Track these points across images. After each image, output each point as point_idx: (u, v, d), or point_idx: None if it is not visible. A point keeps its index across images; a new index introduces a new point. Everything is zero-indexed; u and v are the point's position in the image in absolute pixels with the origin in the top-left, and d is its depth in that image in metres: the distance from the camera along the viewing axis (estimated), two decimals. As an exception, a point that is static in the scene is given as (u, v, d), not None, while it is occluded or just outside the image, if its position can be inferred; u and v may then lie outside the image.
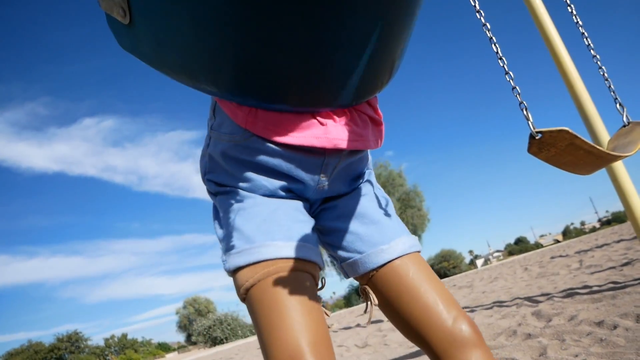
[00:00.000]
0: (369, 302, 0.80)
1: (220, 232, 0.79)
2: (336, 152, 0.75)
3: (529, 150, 2.42)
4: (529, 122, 2.45)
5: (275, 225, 0.72)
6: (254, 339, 19.90)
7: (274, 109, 0.70)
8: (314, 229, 0.79)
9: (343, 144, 0.72)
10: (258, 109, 0.71)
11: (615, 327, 2.42)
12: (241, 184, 0.77)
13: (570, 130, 2.31)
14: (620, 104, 2.88)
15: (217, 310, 53.00)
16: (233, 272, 0.72)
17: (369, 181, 0.90)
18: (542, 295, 4.34)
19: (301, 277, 0.69)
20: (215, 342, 36.02)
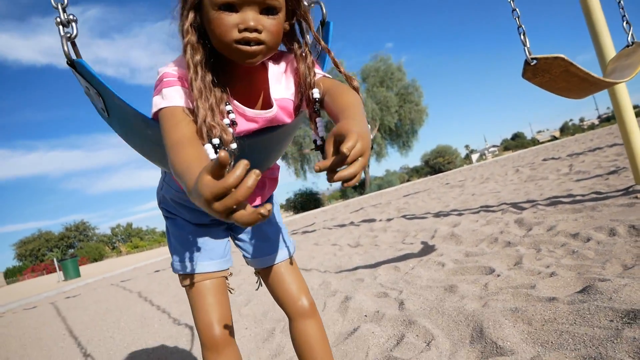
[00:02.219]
0: (259, 281, 1.38)
1: (169, 244, 1.25)
2: None
3: (524, 75, 2.42)
4: (525, 48, 2.41)
5: (201, 249, 1.19)
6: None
7: None
8: (231, 238, 1.31)
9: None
10: None
11: (588, 240, 2.59)
12: (183, 216, 1.22)
13: (566, 58, 2.28)
14: (627, 22, 2.79)
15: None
16: (179, 274, 1.21)
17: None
18: (528, 202, 4.54)
19: (215, 281, 1.19)
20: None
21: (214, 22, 0.88)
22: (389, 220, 6.48)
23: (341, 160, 0.69)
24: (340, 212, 13.15)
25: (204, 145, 0.88)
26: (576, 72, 2.08)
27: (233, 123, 0.97)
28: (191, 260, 1.18)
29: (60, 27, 1.04)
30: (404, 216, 6.45)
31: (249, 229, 1.28)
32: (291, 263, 1.31)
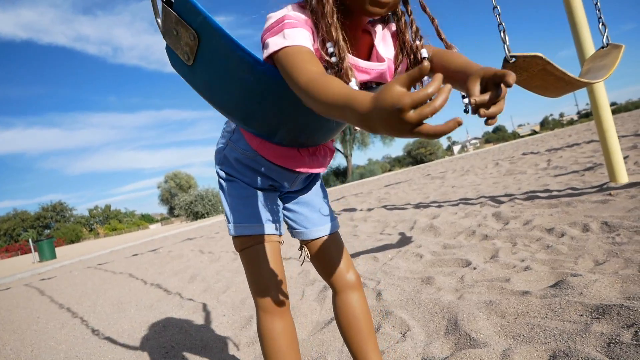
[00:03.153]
0: (304, 255, 1.32)
1: (226, 206, 1.22)
2: (304, 172, 1.21)
3: None
4: (505, 46, 2.42)
5: (260, 212, 1.19)
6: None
7: (276, 144, 1.13)
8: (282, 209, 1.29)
9: (310, 170, 1.18)
10: (266, 141, 1.13)
11: (562, 235, 2.65)
12: (243, 178, 1.20)
13: (544, 57, 2.31)
14: (603, 24, 2.83)
15: (199, 186, 54.49)
16: (234, 236, 1.19)
17: (315, 179, 1.35)
18: (506, 195, 4.62)
19: (271, 245, 1.19)
20: (196, 216, 37.64)
21: None
22: (369, 210, 6.53)
23: (497, 95, 0.74)
24: (321, 200, 13.17)
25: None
26: (553, 71, 2.11)
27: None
28: (253, 222, 1.18)
29: None
30: (384, 206, 6.50)
31: (299, 199, 1.29)
32: (337, 236, 1.32)
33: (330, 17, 0.93)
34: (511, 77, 0.72)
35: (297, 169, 1.16)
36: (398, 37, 1.08)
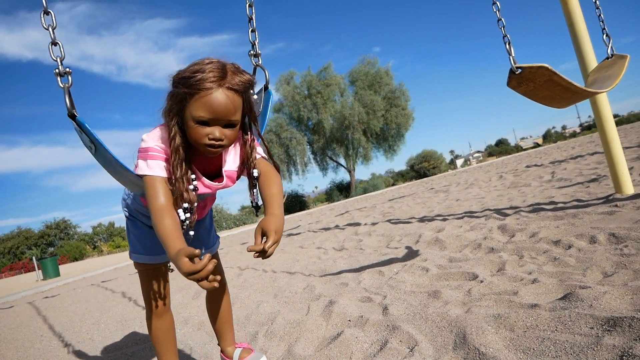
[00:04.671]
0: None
1: (129, 239, 1.69)
2: None
3: (508, 84, 2.44)
4: (510, 57, 2.43)
5: (150, 246, 1.63)
6: (237, 230, 20.82)
7: None
8: None
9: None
10: None
11: (569, 247, 2.63)
12: (141, 220, 1.66)
13: (550, 67, 2.31)
14: (607, 35, 2.85)
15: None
16: (134, 261, 1.69)
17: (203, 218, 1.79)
18: (511, 208, 4.59)
19: (157, 269, 1.69)
20: (201, 232, 37.45)
21: (192, 130, 1.28)
22: (373, 224, 6.50)
23: (265, 252, 1.20)
24: (325, 215, 13.15)
25: (177, 210, 1.32)
26: (559, 81, 2.11)
27: (195, 189, 1.38)
28: (144, 253, 1.64)
29: (59, 78, 1.37)
30: (389, 220, 6.48)
31: (195, 236, 1.63)
32: (217, 255, 1.88)
33: (174, 153, 1.31)
34: (269, 243, 1.19)
35: None
36: (243, 149, 1.48)
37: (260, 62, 1.85)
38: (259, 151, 1.52)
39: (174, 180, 1.30)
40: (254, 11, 1.93)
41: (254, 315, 2.82)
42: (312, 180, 71.40)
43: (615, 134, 3.77)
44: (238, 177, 1.51)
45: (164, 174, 1.32)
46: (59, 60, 1.39)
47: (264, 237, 1.22)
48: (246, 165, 1.47)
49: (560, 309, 1.66)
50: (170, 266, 1.64)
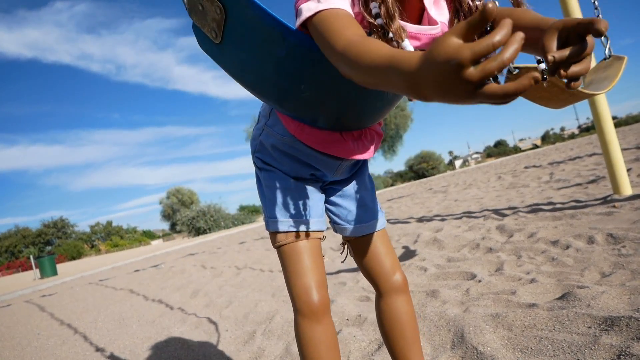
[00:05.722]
0: (347, 251, 1.24)
1: (263, 199, 1.14)
2: (349, 159, 1.10)
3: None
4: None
5: (300, 205, 1.09)
6: (235, 230, 20.82)
7: (316, 127, 1.02)
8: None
9: (354, 155, 1.06)
10: (305, 125, 1.02)
11: (567, 247, 2.63)
12: (281, 167, 1.10)
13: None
14: (605, 36, 2.86)
15: (200, 202, 54.40)
16: (271, 232, 1.10)
17: (362, 168, 1.23)
18: (509, 208, 4.60)
19: (312, 242, 1.08)
20: (198, 232, 37.51)
21: None
22: (372, 224, 6.50)
23: (581, 50, 0.64)
24: (323, 214, 13.14)
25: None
26: (556, 82, 2.13)
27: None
28: (292, 216, 1.08)
29: None
30: (387, 220, 6.48)
31: (343, 190, 1.19)
32: (384, 234, 1.21)
33: None
34: (602, 23, 0.62)
35: (341, 156, 1.05)
36: None
37: None
38: None
39: (375, 13, 0.81)
40: None
41: (252, 314, 2.82)
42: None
43: (613, 135, 3.78)
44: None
45: (348, 7, 0.81)
46: None
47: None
48: (460, 15, 0.93)
49: (558, 309, 1.66)
50: (323, 236, 1.14)
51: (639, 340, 1.29)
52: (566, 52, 0.63)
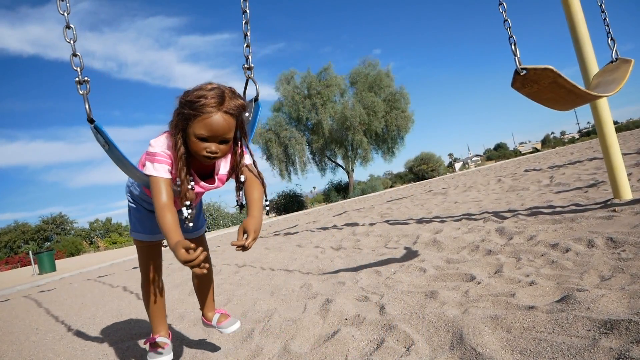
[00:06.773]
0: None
1: (130, 220, 2.01)
2: None
3: (513, 85, 2.44)
4: (516, 58, 2.43)
5: (148, 227, 1.96)
6: (234, 229, 20.80)
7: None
8: None
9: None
10: (148, 189, 1.75)
11: (567, 251, 2.63)
12: (143, 205, 1.96)
13: (555, 69, 2.31)
14: (612, 39, 2.84)
15: (201, 200, 54.16)
16: (133, 239, 2.01)
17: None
18: (509, 211, 4.60)
19: (155, 245, 2.01)
20: (198, 230, 37.38)
21: (193, 143, 1.55)
22: (371, 224, 6.50)
23: (245, 247, 1.48)
24: (323, 215, 13.14)
25: (181, 206, 1.60)
26: (564, 83, 2.11)
27: (192, 188, 1.65)
28: (143, 232, 1.96)
29: (78, 85, 1.61)
30: (386, 221, 6.48)
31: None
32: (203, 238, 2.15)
33: (179, 160, 1.57)
34: (249, 240, 1.48)
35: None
36: (234, 157, 1.73)
37: (252, 75, 2.09)
38: (247, 159, 1.77)
39: (179, 182, 1.59)
40: (249, 28, 2.17)
41: (251, 312, 2.81)
42: (310, 180, 71.27)
43: (614, 139, 3.78)
44: (227, 180, 1.79)
45: (167, 175, 1.59)
46: (79, 70, 1.64)
47: (245, 235, 1.49)
48: (235, 170, 1.75)
49: (558, 311, 1.66)
50: (163, 243, 1.99)
51: (638, 343, 1.29)
52: (240, 244, 1.47)
